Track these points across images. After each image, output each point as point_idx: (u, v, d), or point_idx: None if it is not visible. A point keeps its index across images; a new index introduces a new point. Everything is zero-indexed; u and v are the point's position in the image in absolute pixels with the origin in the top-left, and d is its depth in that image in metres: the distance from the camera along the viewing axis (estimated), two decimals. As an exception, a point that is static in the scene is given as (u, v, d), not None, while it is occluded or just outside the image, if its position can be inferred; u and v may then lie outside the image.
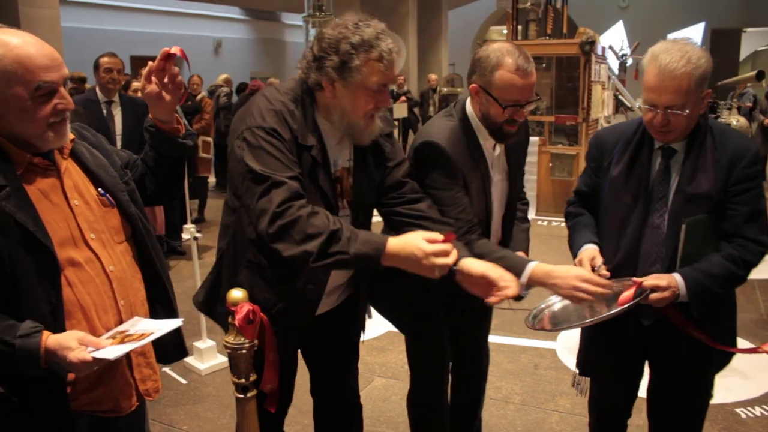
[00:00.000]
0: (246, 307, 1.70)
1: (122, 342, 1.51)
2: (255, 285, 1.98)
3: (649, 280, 1.96)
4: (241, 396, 1.76)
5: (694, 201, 1.99)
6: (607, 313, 1.93)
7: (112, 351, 1.45)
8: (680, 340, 2.10)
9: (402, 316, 2.45)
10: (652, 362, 2.30)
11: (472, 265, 1.86)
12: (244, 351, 1.73)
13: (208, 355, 4.11)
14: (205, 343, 4.13)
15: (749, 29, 19.64)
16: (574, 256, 2.15)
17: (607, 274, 2.02)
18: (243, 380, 1.75)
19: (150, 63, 1.75)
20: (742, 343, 4.35)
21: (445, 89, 13.44)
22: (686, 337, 2.08)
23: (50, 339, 1.43)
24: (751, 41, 20.46)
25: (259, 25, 17.99)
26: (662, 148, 2.07)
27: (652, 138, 2.08)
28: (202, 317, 4.13)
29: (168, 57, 1.74)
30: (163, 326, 1.59)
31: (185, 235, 4.23)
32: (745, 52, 20.28)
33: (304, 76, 1.91)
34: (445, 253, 1.73)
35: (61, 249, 1.54)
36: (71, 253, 1.56)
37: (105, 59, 5.10)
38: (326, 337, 2.24)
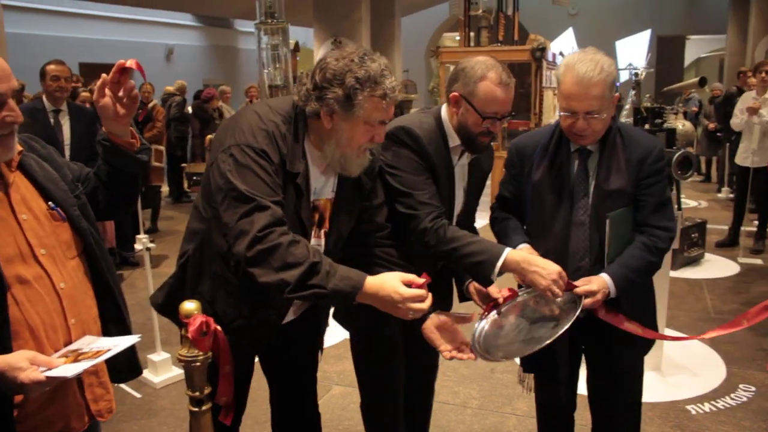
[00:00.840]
0: (199, 319, 1.67)
1: (76, 360, 1.46)
2: (218, 297, 1.96)
3: (582, 287, 2.08)
4: (196, 409, 1.73)
5: (611, 196, 2.16)
6: (560, 332, 1.97)
7: (67, 369, 1.41)
8: (610, 328, 2.22)
9: (356, 319, 2.43)
10: (587, 353, 2.41)
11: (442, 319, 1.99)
12: (198, 364, 1.69)
13: (162, 368, 4.03)
14: (159, 356, 4.06)
15: (693, 36, 20.25)
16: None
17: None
18: (197, 393, 1.72)
19: (104, 75, 1.70)
20: (692, 340, 4.47)
21: (400, 95, 13.50)
22: (612, 329, 2.21)
23: None
24: (694, 48, 21.09)
25: (211, 31, 17.78)
26: (579, 150, 2.22)
27: (568, 141, 2.22)
28: (157, 329, 4.06)
29: (123, 70, 1.70)
30: (119, 343, 1.55)
31: (138, 246, 4.15)
32: (689, 58, 20.89)
33: (300, 103, 1.88)
34: (421, 299, 1.75)
35: (9, 266, 1.48)
36: (19, 270, 1.51)
37: (52, 67, 4.98)
38: (286, 347, 2.23)
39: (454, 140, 2.25)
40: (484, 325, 2.15)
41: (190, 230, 2.04)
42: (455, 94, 2.17)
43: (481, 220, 2.60)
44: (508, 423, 3.47)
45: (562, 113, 2.14)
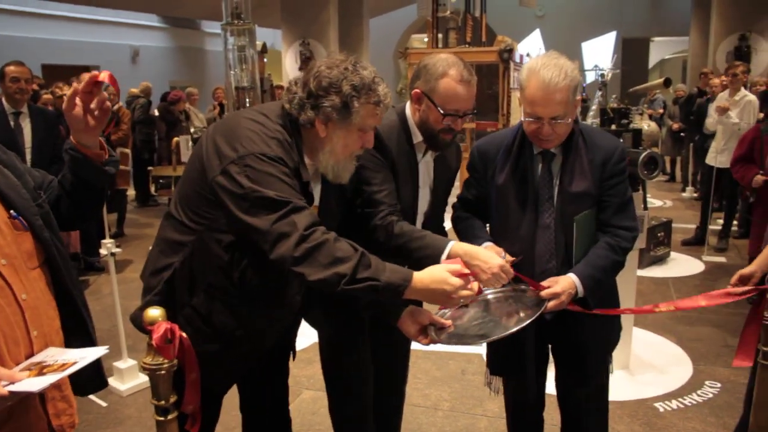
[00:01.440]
0: (164, 326, 1.63)
1: (41, 373, 1.41)
2: (213, 310, 1.91)
3: (546, 291, 2.09)
4: (162, 418, 1.69)
5: (576, 199, 2.17)
6: (514, 329, 1.98)
7: (32, 383, 1.35)
8: (577, 326, 2.25)
9: (328, 321, 2.41)
10: (555, 352, 2.41)
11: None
12: (163, 372, 1.65)
13: (129, 376, 3.95)
14: (125, 363, 3.98)
15: (657, 38, 20.59)
16: None
17: (521, 258, 2.14)
18: (163, 402, 1.68)
19: (75, 85, 1.64)
20: (659, 339, 4.54)
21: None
22: (582, 323, 2.24)
23: None
24: (658, 50, 21.45)
25: (177, 33, 17.58)
26: (542, 153, 2.22)
27: (531, 144, 2.22)
28: (123, 336, 3.99)
29: (96, 83, 1.64)
30: (86, 355, 1.49)
31: (103, 251, 4.07)
32: (653, 60, 21.23)
33: (293, 111, 1.88)
34: (467, 285, 1.81)
35: None
36: None
37: (11, 68, 4.87)
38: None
39: (417, 137, 2.25)
40: (446, 312, 2.14)
41: (170, 242, 1.94)
42: (417, 91, 2.18)
43: (449, 221, 2.60)
44: (479, 424, 3.47)
45: (526, 118, 2.13)
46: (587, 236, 2.21)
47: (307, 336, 4.37)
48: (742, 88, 6.79)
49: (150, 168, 9.60)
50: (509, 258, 2.10)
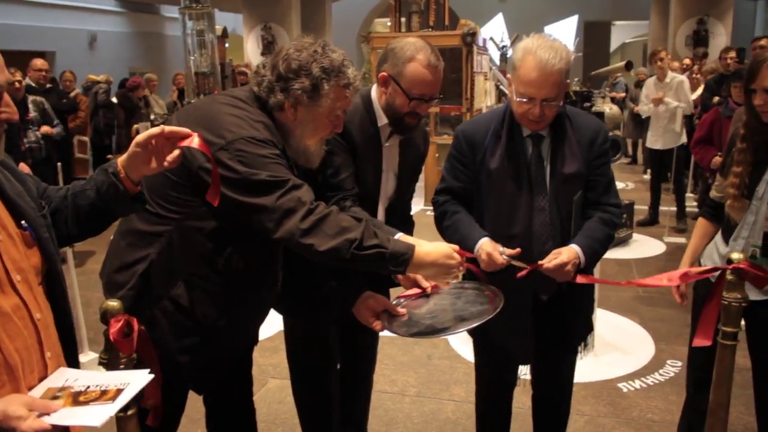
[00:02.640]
0: (122, 319, 1.58)
1: (76, 402, 1.29)
2: (195, 299, 1.87)
3: (553, 261, 2.08)
4: (121, 414, 1.64)
5: (569, 180, 2.18)
6: (462, 329, 1.99)
7: (92, 416, 1.23)
8: (568, 305, 2.28)
9: (297, 309, 2.37)
10: (541, 334, 2.37)
11: None
12: (121, 367, 1.61)
13: (90, 369, 3.87)
14: (86, 356, 3.90)
15: (618, 22, 20.80)
16: (470, 250, 2.15)
17: (518, 251, 2.11)
18: (122, 397, 1.64)
19: (164, 127, 1.52)
20: (623, 320, 4.61)
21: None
22: (572, 303, 2.31)
23: None
24: (620, 33, 21.69)
25: (136, 17, 17.22)
26: (531, 136, 2.21)
27: (519, 126, 2.21)
28: (84, 328, 3.91)
29: (182, 142, 1.53)
30: (129, 380, 1.37)
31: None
32: (614, 43, 21.46)
33: (263, 94, 1.87)
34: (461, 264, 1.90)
35: None
36: None
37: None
38: None
39: (382, 120, 2.23)
40: (401, 301, 2.12)
41: (142, 233, 1.87)
42: (384, 74, 2.16)
43: (415, 206, 2.58)
44: (446, 409, 3.48)
45: (518, 99, 2.10)
46: (580, 216, 2.25)
47: (272, 324, 4.34)
48: (669, 71, 7.08)
49: (109, 156, 9.40)
50: (509, 252, 2.09)
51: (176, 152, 1.53)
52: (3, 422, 1.19)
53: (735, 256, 2.09)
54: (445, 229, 2.30)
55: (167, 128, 1.53)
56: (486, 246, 2.14)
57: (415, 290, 2.14)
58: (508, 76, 2.22)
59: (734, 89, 5.00)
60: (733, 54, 7.23)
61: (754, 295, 2.27)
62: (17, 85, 5.68)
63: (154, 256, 1.86)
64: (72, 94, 8.05)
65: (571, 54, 2.10)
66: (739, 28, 14.66)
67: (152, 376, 1.44)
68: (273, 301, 2.12)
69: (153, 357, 1.73)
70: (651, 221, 7.39)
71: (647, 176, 10.65)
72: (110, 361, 1.59)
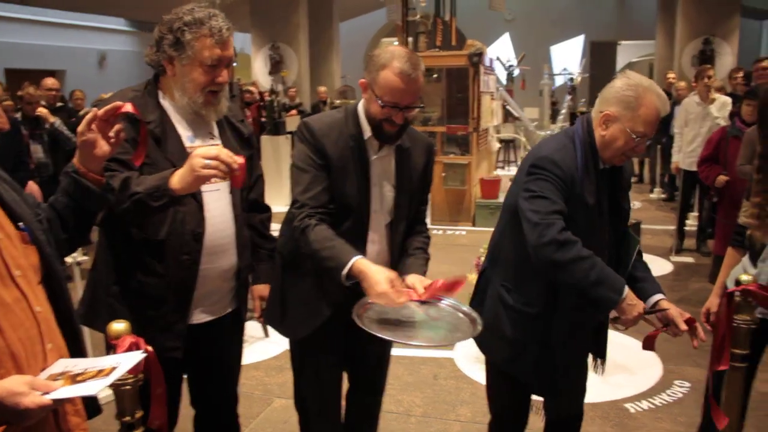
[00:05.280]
0: (128, 340, 1.59)
1: (75, 381, 1.35)
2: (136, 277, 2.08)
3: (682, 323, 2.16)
4: (127, 435, 1.65)
5: (625, 214, 2.28)
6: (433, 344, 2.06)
7: (83, 388, 1.31)
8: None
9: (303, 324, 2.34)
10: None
11: None
12: (128, 387, 1.61)
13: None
14: (92, 373, 3.89)
15: (624, 42, 20.88)
16: (615, 295, 2.03)
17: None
18: (129, 418, 1.64)
19: (95, 109, 1.63)
20: (630, 340, 4.56)
21: (338, 101, 13.42)
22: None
23: None
24: (625, 53, 21.75)
25: (146, 36, 17.40)
26: (603, 170, 2.19)
27: (596, 161, 2.16)
28: (89, 347, 3.90)
29: (118, 113, 1.65)
30: (122, 360, 1.44)
31: (68, 259, 3.98)
32: (620, 63, 21.52)
33: (147, 60, 2.08)
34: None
35: None
36: None
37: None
38: (208, 349, 2.23)
39: (368, 132, 2.20)
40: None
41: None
42: (363, 80, 2.16)
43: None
44: (452, 429, 3.46)
45: (634, 136, 2.07)
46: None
47: (278, 344, 4.34)
48: (713, 91, 6.79)
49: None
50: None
51: (117, 126, 1.67)
52: (6, 399, 1.25)
53: (744, 278, 2.09)
54: (581, 261, 2.00)
55: (100, 110, 1.64)
56: (638, 306, 2.09)
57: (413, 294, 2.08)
58: (608, 112, 2.12)
59: (746, 107, 4.96)
60: (741, 74, 7.21)
61: None
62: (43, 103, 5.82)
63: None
64: (82, 113, 8.10)
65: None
66: (745, 48, 14.69)
67: (145, 354, 1.54)
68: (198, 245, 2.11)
69: (159, 377, 1.73)
70: (681, 248, 7.07)
71: (653, 195, 10.64)
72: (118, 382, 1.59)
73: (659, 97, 2.07)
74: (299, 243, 2.12)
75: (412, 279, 2.11)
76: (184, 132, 2.10)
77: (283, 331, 2.38)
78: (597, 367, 2.47)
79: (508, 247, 2.26)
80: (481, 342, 2.33)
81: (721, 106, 6.56)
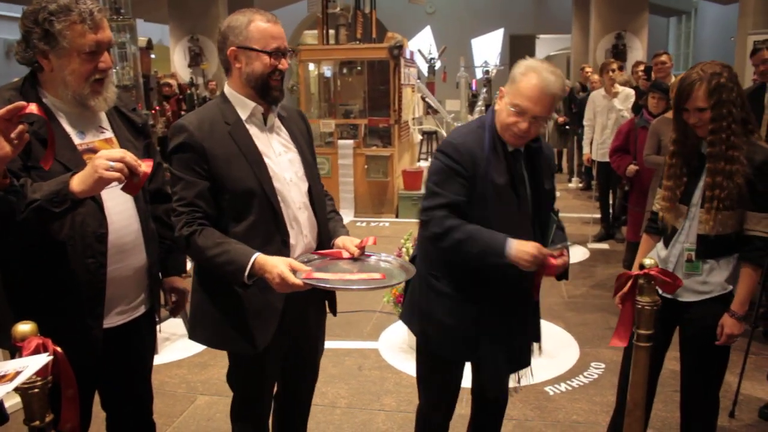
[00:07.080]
0: (35, 342, 1.53)
1: None
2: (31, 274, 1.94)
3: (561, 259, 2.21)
4: (38, 439, 1.59)
5: (546, 195, 2.37)
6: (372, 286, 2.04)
7: None
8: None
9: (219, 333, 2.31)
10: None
11: None
12: (36, 390, 1.56)
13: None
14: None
15: (542, 36, 21.43)
16: (500, 257, 2.13)
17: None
18: (38, 422, 1.58)
19: None
20: (549, 325, 4.71)
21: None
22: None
23: None
24: (544, 47, 22.34)
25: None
26: (513, 152, 2.28)
27: (503, 143, 2.25)
28: (-1, 350, 3.74)
29: (21, 113, 1.56)
30: (28, 363, 1.42)
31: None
32: (539, 56, 22.00)
33: (18, 59, 1.92)
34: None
35: None
36: None
37: None
38: (122, 351, 2.16)
39: (246, 107, 2.15)
40: (313, 256, 2.16)
41: None
42: (232, 49, 2.09)
43: (345, 216, 2.56)
44: (377, 419, 3.49)
45: (511, 108, 2.15)
46: (552, 229, 2.39)
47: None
48: (617, 84, 7.09)
49: None
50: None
51: (20, 127, 1.59)
52: None
53: (647, 261, 2.19)
54: (459, 243, 2.18)
55: (1, 109, 1.57)
56: (527, 246, 2.14)
57: (337, 251, 2.17)
58: (501, 88, 2.27)
59: (652, 99, 5.19)
60: (642, 67, 7.54)
61: (686, 296, 2.48)
62: None
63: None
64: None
65: (566, 86, 2.23)
66: (654, 43, 15.34)
67: (50, 357, 1.51)
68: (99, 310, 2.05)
69: (69, 378, 1.68)
70: (607, 236, 7.32)
71: (571, 184, 11.00)
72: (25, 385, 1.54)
73: (544, 76, 2.14)
74: (187, 253, 2.08)
75: (342, 240, 2.20)
76: (71, 129, 1.97)
77: (241, 347, 2.22)
78: (532, 350, 2.55)
79: None
80: (417, 330, 2.44)
81: (624, 98, 6.90)
